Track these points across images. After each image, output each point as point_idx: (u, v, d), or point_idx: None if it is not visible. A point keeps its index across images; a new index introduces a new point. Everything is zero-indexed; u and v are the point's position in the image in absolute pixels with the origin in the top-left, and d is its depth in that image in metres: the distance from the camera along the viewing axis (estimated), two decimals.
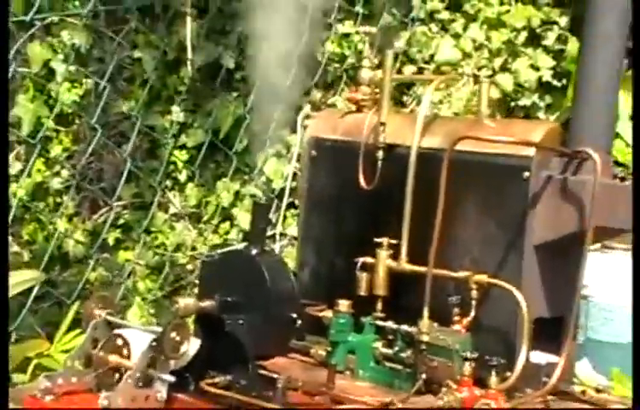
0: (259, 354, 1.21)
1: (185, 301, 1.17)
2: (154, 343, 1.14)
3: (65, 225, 3.05)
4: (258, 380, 1.19)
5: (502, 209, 1.36)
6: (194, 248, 3.04)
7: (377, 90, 1.53)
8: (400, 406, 1.16)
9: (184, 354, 1.16)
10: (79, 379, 1.17)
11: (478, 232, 1.38)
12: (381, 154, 1.48)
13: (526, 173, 1.33)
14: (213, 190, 3.12)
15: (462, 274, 1.34)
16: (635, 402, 0.92)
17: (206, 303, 1.20)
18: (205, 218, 3.10)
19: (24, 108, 3.03)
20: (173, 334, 1.14)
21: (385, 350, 1.36)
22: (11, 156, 3.23)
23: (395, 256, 1.42)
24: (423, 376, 1.27)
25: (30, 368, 1.52)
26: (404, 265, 1.41)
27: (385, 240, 1.43)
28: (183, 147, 3.15)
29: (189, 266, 3.01)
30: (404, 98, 2.79)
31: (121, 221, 3.06)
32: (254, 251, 1.24)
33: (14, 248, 2.87)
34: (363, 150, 1.50)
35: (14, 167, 3.19)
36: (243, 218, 3.02)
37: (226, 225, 3.07)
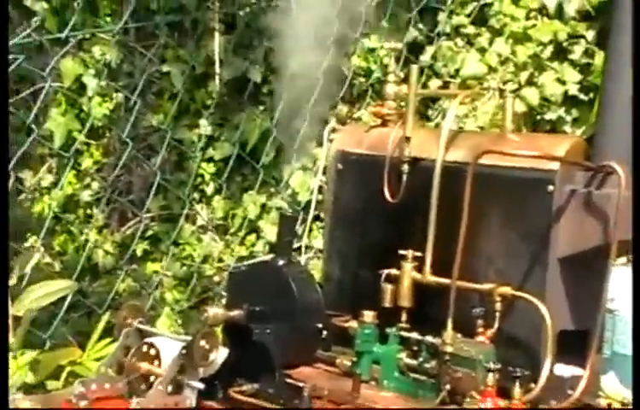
0: (286, 363, 1.24)
1: (214, 311, 1.20)
2: (183, 351, 1.17)
3: (95, 237, 3.11)
4: (285, 388, 1.22)
5: (526, 222, 1.37)
6: (220, 260, 3.08)
7: (402, 105, 1.56)
8: None
9: (213, 362, 1.19)
10: (112, 385, 1.20)
11: (502, 245, 1.39)
12: (406, 167, 1.50)
13: (551, 187, 1.34)
14: (240, 202, 3.15)
15: (486, 286, 1.35)
16: (635, 405, 0.92)
17: (235, 313, 1.23)
18: (231, 230, 3.14)
19: (56, 122, 3.10)
20: (202, 342, 1.17)
21: (409, 361, 1.38)
22: (43, 169, 3.30)
23: (420, 268, 1.44)
24: (447, 386, 1.29)
25: (63, 375, 1.56)
26: (429, 277, 1.43)
27: (409, 252, 1.45)
28: (210, 160, 3.19)
29: (216, 278, 3.04)
30: (429, 112, 2.81)
31: (149, 233, 3.11)
32: (281, 262, 1.27)
33: (45, 258, 2.93)
34: (389, 164, 1.52)
35: (46, 180, 3.26)
36: (269, 230, 3.05)
37: (252, 237, 3.10)
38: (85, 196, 3.25)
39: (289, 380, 1.24)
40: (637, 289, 1.10)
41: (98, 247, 3.03)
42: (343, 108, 2.54)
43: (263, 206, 3.10)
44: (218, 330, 1.26)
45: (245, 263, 1.34)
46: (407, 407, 1.24)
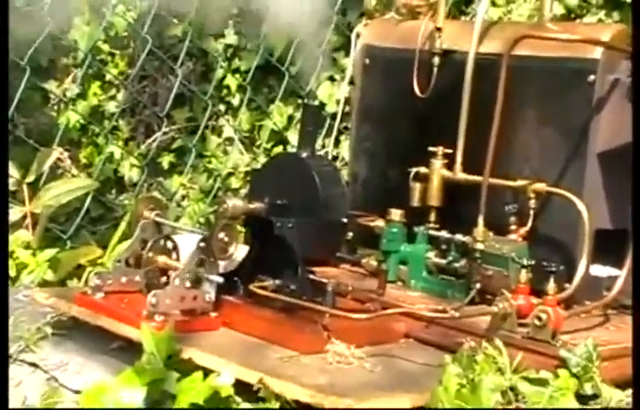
0: (308, 259, 1.19)
1: (234, 201, 1.15)
2: (202, 244, 1.12)
3: (120, 149, 3.08)
4: (308, 285, 1.17)
5: (564, 115, 1.29)
6: (247, 173, 3.04)
7: None
8: (451, 313, 1.12)
9: (232, 255, 1.15)
10: (128, 279, 1.17)
11: (538, 140, 1.32)
12: (436, 60, 1.42)
13: (592, 77, 1.26)
14: (266, 113, 3.09)
15: (519, 183, 1.29)
16: (635, 404, 0.88)
17: (255, 205, 1.17)
18: (258, 142, 3.08)
19: (80, 31, 3.03)
20: (221, 235, 1.13)
21: (438, 260, 1.32)
22: (68, 80, 3.26)
23: (449, 166, 1.38)
24: (477, 285, 1.23)
25: (83, 275, 1.53)
26: (459, 174, 1.37)
27: (439, 149, 1.38)
28: (236, 71, 3.12)
29: (242, 191, 3.00)
30: (462, 17, 2.69)
31: (175, 145, 3.07)
32: (304, 154, 1.21)
33: (72, 171, 2.90)
34: (419, 57, 1.44)
35: (72, 91, 3.22)
36: (296, 141, 2.97)
37: (279, 148, 3.04)
38: (111, 107, 3.20)
39: (312, 276, 1.20)
40: (637, 291, 1.03)
41: (124, 159, 2.99)
42: (372, 1, 2.44)
43: (290, 117, 3.03)
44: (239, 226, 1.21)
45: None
46: (433, 306, 1.18)
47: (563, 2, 2.45)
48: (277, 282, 1.18)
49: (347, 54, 2.95)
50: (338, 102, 2.99)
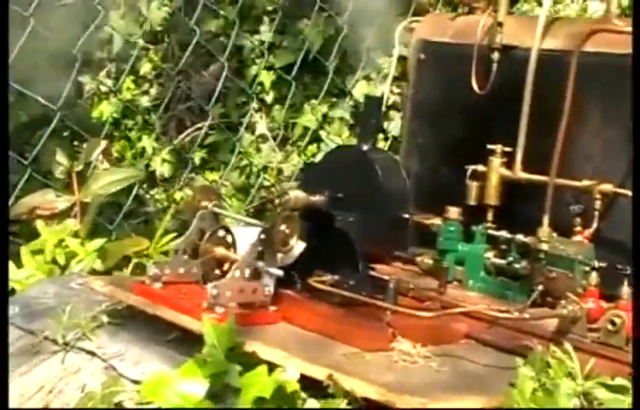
0: (368, 255, 1.16)
1: (296, 193, 1.12)
2: (262, 236, 1.10)
3: (152, 144, 3.07)
4: (368, 281, 1.14)
5: (629, 113, 1.25)
6: (280, 171, 3.01)
7: None
8: (518, 315, 1.09)
9: (292, 248, 1.12)
10: (186, 269, 1.14)
11: (601, 139, 1.28)
12: (496, 56, 1.39)
13: None
14: (301, 111, 3.07)
15: (586, 183, 1.25)
16: (635, 404, 0.84)
17: (316, 198, 1.15)
18: (291, 140, 3.06)
19: (115, 26, 3.02)
20: (283, 227, 1.10)
21: (497, 261, 1.29)
22: (102, 73, 3.25)
23: (508, 164, 1.34)
24: (540, 287, 1.20)
25: (129, 266, 1.52)
26: (520, 173, 1.33)
27: (498, 147, 1.35)
28: (270, 68, 3.10)
29: (274, 189, 2.98)
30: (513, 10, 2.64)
31: (208, 141, 3.06)
32: (365, 147, 1.18)
33: (104, 164, 2.90)
34: (477, 53, 1.41)
35: (105, 85, 3.21)
36: (330, 141, 2.96)
37: (313, 147, 3.02)
38: (144, 101, 3.19)
39: (372, 272, 1.17)
40: (637, 291, 0.99)
41: (156, 154, 2.98)
42: None
43: (324, 116, 3.01)
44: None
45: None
46: (496, 307, 1.15)
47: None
48: (336, 277, 1.16)
49: (384, 52, 2.93)
50: (365, 98, 2.97)
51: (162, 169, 3.00)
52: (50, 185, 1.59)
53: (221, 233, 1.16)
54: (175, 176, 2.91)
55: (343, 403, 0.90)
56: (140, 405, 0.97)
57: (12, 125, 1.74)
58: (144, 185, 2.96)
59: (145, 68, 3.18)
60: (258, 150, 3.03)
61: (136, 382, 1.01)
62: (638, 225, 1.07)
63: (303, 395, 0.93)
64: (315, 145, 3.00)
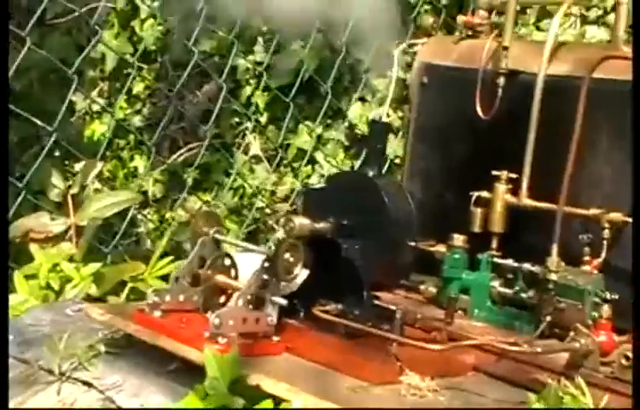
0: (374, 283, 1.13)
1: (300, 221, 1.09)
2: (266, 264, 1.07)
3: (144, 164, 3.03)
4: (374, 310, 1.11)
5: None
6: (273, 193, 2.99)
7: (498, 14, 1.42)
8: (530, 348, 1.06)
9: (296, 277, 1.09)
10: (186, 297, 1.11)
11: (610, 166, 1.26)
12: (502, 80, 1.37)
13: None
14: (295, 132, 3.04)
15: (594, 211, 1.23)
16: (635, 404, 0.82)
17: (322, 225, 1.12)
18: (285, 161, 3.03)
19: (108, 44, 3.00)
20: (287, 255, 1.07)
21: (503, 290, 1.26)
22: (95, 93, 3.22)
23: (514, 191, 1.32)
24: (548, 318, 1.17)
25: (125, 291, 1.48)
26: (525, 200, 1.31)
27: (503, 173, 1.33)
28: (265, 88, 3.08)
29: (268, 210, 2.95)
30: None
31: (201, 162, 3.02)
32: (371, 173, 1.15)
33: (95, 184, 2.86)
34: (482, 77, 1.39)
35: (98, 104, 3.18)
36: (325, 163, 2.95)
37: (307, 169, 2.99)
38: (137, 121, 3.16)
39: (377, 302, 1.14)
40: (637, 293, 0.98)
41: (147, 174, 2.94)
42: (429, 18, 2.39)
43: (319, 137, 2.99)
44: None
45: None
46: (503, 338, 1.12)
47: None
48: (340, 306, 1.13)
49: (380, 75, 2.92)
50: (370, 123, 2.96)
51: (154, 189, 2.97)
52: (43, 207, 1.55)
53: (223, 260, 1.13)
54: (167, 196, 2.88)
55: None
56: None
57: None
58: (136, 206, 2.92)
59: (138, 88, 3.15)
60: (252, 171, 3.00)
61: None
62: (638, 225, 1.05)
63: None
64: (310, 167, 2.98)
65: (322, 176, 2.90)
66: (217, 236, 1.14)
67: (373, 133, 1.18)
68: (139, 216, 2.88)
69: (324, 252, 1.12)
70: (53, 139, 1.61)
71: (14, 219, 1.57)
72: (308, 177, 2.98)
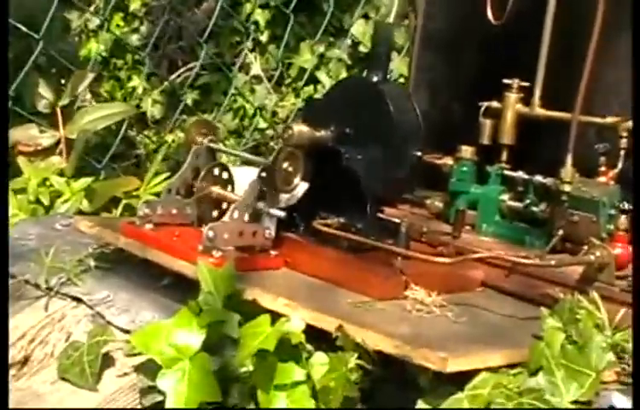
0: (377, 196, 1.07)
1: (299, 128, 1.03)
2: (263, 174, 1.01)
3: (143, 84, 2.95)
4: (377, 224, 1.05)
5: None
6: (274, 113, 2.91)
7: None
8: (542, 261, 1.01)
9: (295, 187, 1.03)
10: (179, 210, 1.05)
11: (629, 72, 1.19)
12: None
13: None
14: (296, 51, 2.95)
15: (610, 119, 1.16)
16: (635, 404, 0.78)
17: (322, 133, 1.05)
18: (287, 81, 2.95)
19: None
20: (285, 164, 1.01)
21: (513, 203, 1.20)
22: (90, 10, 3.12)
23: (525, 101, 1.25)
24: (560, 232, 1.11)
25: (119, 209, 1.43)
26: (538, 109, 1.24)
27: (515, 82, 1.25)
28: (265, 5, 2.98)
29: (269, 131, 2.88)
30: None
31: (200, 82, 2.94)
32: (375, 78, 1.08)
33: (87, 99, 2.79)
34: None
35: (93, 22, 3.08)
36: (328, 81, 2.87)
37: (309, 89, 2.91)
38: (134, 39, 3.07)
39: (381, 215, 1.08)
40: (637, 289, 0.92)
41: (146, 95, 2.87)
42: None
43: (321, 56, 2.90)
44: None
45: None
46: (514, 253, 1.07)
47: None
48: (342, 219, 1.07)
49: None
50: (374, 24, 2.86)
51: (153, 110, 2.90)
52: (34, 121, 1.48)
53: (217, 171, 1.07)
54: (166, 117, 2.81)
55: (353, 357, 0.81)
56: (130, 356, 0.89)
57: None
58: (134, 127, 2.86)
59: (135, 5, 3.05)
60: (253, 91, 2.92)
61: (125, 331, 0.93)
62: (638, 224, 0.99)
63: (309, 347, 0.85)
64: (312, 86, 2.90)
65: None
66: (212, 145, 1.08)
67: (378, 36, 1.10)
68: (138, 138, 2.81)
69: (325, 162, 1.06)
70: (40, 48, 1.53)
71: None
72: (310, 97, 2.91)
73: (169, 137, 2.72)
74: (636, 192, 1.02)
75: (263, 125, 2.87)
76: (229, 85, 2.82)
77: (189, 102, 2.84)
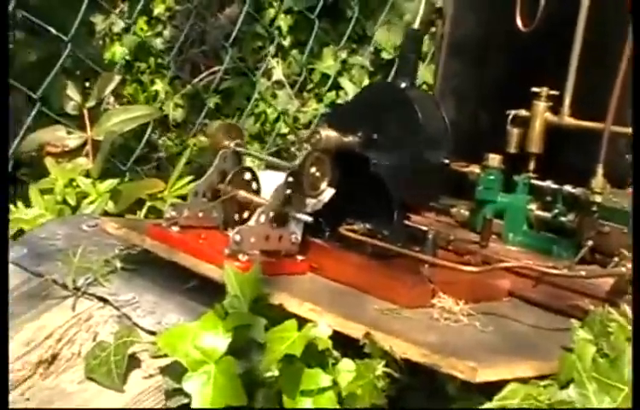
0: (404, 203, 1.06)
1: (327, 133, 1.02)
2: (290, 178, 1.00)
3: (165, 88, 2.97)
4: (404, 230, 1.04)
5: None
6: (295, 119, 2.91)
7: None
8: (569, 271, 1.00)
9: (322, 193, 1.02)
10: (205, 213, 1.05)
11: None
12: None
13: None
14: (319, 57, 2.95)
15: None
16: (635, 403, 0.76)
17: (349, 138, 1.05)
18: (309, 87, 2.95)
19: None
20: (313, 169, 1.00)
21: (541, 213, 1.19)
22: (114, 13, 3.14)
23: (554, 109, 1.24)
24: (589, 243, 1.10)
25: (143, 210, 1.43)
26: (567, 119, 1.23)
27: (544, 90, 1.24)
28: (289, 11, 2.98)
29: (290, 137, 2.88)
30: None
31: (223, 86, 2.95)
32: (403, 84, 1.07)
33: (116, 108, 2.80)
34: None
35: (118, 25, 3.11)
36: (350, 87, 2.86)
37: (332, 94, 2.91)
38: (157, 43, 3.08)
39: (407, 222, 1.07)
40: (637, 293, 0.90)
41: (168, 98, 2.88)
42: None
43: (343, 62, 2.90)
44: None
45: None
46: (542, 263, 1.05)
47: None
48: (367, 226, 1.06)
49: None
50: (395, 47, 2.86)
51: (175, 114, 2.91)
52: (61, 122, 1.49)
53: (244, 175, 1.07)
54: (187, 121, 2.82)
55: (381, 364, 0.81)
56: (155, 358, 0.89)
57: (20, 65, 1.66)
58: (156, 130, 2.87)
59: (159, 9, 3.07)
60: (275, 97, 2.93)
61: (151, 332, 0.92)
62: (638, 225, 0.97)
63: (335, 353, 0.84)
64: (334, 92, 2.90)
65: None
66: (238, 148, 1.08)
67: (407, 41, 1.09)
68: (160, 141, 2.82)
69: (351, 167, 1.06)
70: (68, 51, 1.54)
71: (27, 133, 1.52)
72: (332, 103, 2.91)
73: (190, 141, 2.73)
74: (636, 192, 1.00)
75: (284, 130, 2.87)
76: (252, 90, 2.82)
77: (212, 105, 2.86)
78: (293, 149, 2.78)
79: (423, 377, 0.82)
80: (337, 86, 2.89)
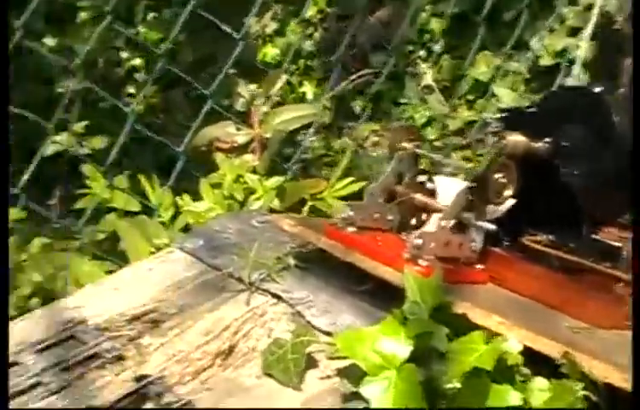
0: (594, 215, 0.99)
1: (514, 138, 0.97)
2: (473, 184, 0.96)
3: (313, 90, 2.99)
4: (593, 245, 0.97)
5: None
6: (444, 125, 2.85)
7: None
8: None
9: (505, 201, 0.97)
10: (381, 215, 1.02)
11: None
12: None
13: None
14: (471, 62, 2.88)
15: None
16: (635, 403, 0.66)
17: (538, 145, 0.99)
18: (460, 93, 2.88)
19: None
20: (497, 175, 0.95)
21: None
22: (267, 15, 3.20)
23: None
24: None
25: (305, 209, 1.43)
26: None
27: None
28: (440, 14, 2.93)
29: (438, 143, 2.83)
30: None
31: (369, 90, 2.94)
32: (599, 88, 1.00)
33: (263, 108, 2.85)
34: None
35: (270, 27, 3.16)
36: (504, 94, 2.77)
37: (482, 101, 2.83)
38: (307, 45, 3.12)
39: (596, 236, 1.00)
40: (637, 292, 0.76)
41: (317, 100, 2.90)
42: None
43: (497, 68, 2.81)
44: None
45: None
46: None
47: None
48: (551, 237, 1.00)
49: (570, 2, 2.68)
50: (556, 53, 2.74)
51: (322, 115, 2.92)
52: (231, 119, 1.52)
53: (422, 178, 1.03)
54: (333, 125, 2.83)
55: (579, 386, 0.75)
56: (332, 359, 0.87)
57: (181, 63, 1.70)
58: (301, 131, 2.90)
59: (311, 12, 3.10)
60: (424, 102, 2.88)
61: (326, 333, 0.91)
62: (638, 225, 0.85)
63: (526, 370, 0.79)
64: (485, 100, 2.82)
65: (500, 110, 2.72)
66: (417, 150, 1.05)
67: (605, 43, 1.02)
68: (306, 143, 2.85)
69: (537, 175, 1.00)
70: (239, 48, 1.57)
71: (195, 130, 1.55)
72: (483, 110, 2.83)
73: (336, 144, 2.73)
74: (636, 192, 0.89)
75: (431, 136, 2.82)
76: (400, 94, 2.79)
77: (359, 109, 2.85)
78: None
79: (622, 405, 0.76)
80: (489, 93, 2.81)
